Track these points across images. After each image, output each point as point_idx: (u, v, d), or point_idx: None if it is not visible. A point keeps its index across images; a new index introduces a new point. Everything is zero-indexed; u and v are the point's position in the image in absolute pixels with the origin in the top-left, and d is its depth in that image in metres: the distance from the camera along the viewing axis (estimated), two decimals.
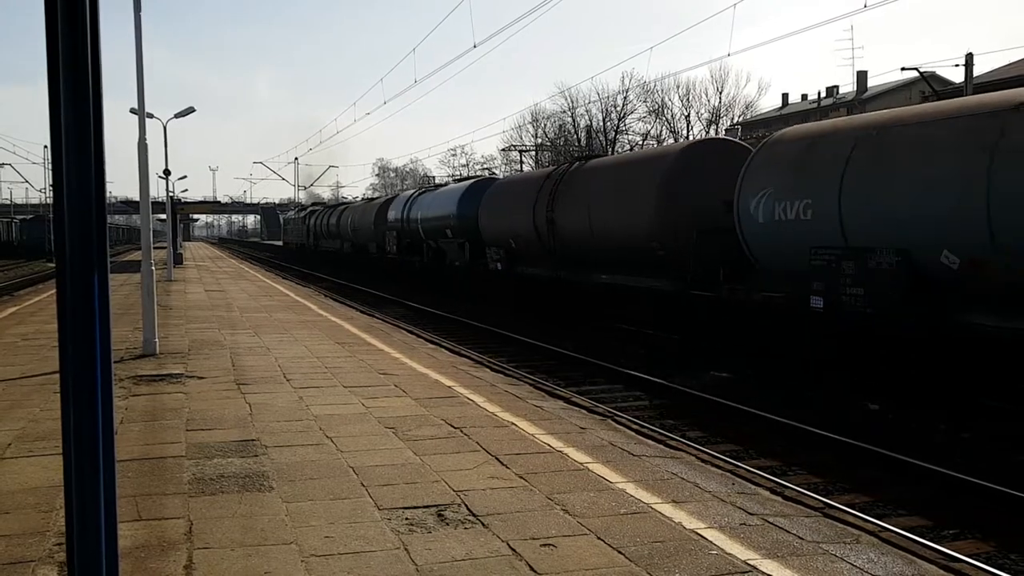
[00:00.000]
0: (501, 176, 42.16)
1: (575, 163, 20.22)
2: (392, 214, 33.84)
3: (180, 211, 49.06)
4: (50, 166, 2.25)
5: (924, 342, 9.66)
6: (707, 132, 64.97)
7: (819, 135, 12.06)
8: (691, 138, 64.56)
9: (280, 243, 77.47)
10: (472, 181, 27.88)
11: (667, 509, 5.13)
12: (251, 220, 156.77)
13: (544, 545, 4.51)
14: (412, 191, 35.49)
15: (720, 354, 12.84)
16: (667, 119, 66.86)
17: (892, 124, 10.73)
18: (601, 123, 67.53)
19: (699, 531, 4.75)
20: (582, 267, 18.21)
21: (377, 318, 18.29)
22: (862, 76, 58.93)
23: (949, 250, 9.27)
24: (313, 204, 70.48)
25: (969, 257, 9.03)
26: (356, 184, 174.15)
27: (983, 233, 8.88)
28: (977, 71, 31.37)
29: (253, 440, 6.74)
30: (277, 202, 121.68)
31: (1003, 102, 9.44)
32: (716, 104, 66.43)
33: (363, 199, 59.45)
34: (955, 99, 12.63)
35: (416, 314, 22.25)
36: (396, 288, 29.07)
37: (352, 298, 25.87)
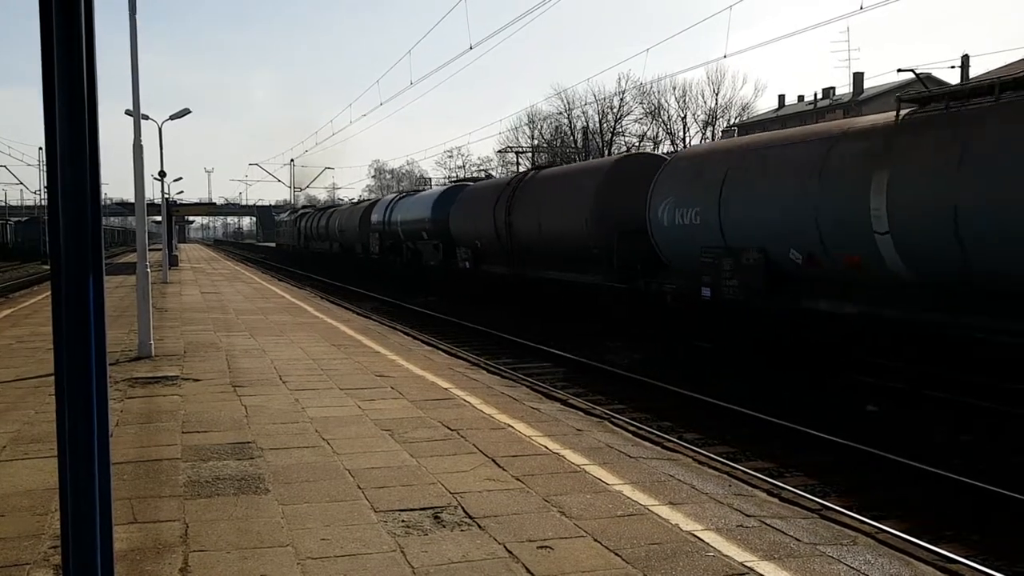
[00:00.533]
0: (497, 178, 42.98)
1: (530, 172, 22.67)
2: (375, 217, 36.07)
3: (175, 213, 49.02)
4: (45, 168, 2.25)
5: (781, 321, 12.07)
6: (703, 133, 65.06)
7: (707, 155, 14.79)
8: (688, 140, 64.66)
9: (274, 244, 78.70)
10: (445, 188, 30.58)
11: (664, 511, 5.12)
12: (247, 222, 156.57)
13: (541, 547, 4.50)
14: (393, 196, 38.52)
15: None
16: (663, 121, 66.95)
17: (755, 147, 13.26)
18: (597, 124, 67.61)
19: (696, 533, 4.75)
20: (534, 265, 20.54)
21: (373, 320, 18.28)
22: (858, 77, 59.03)
23: (795, 249, 11.54)
24: (304, 207, 72.10)
25: (808, 254, 11.33)
26: (352, 186, 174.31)
27: (815, 236, 11.12)
28: (978, 72, 31.48)
29: (249, 442, 6.73)
30: (273, 204, 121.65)
31: (828, 132, 11.76)
32: (712, 106, 66.54)
33: (351, 201, 60.63)
34: (802, 127, 15.15)
35: (409, 315, 22.69)
36: (380, 287, 30.43)
37: (347, 299, 25.94)
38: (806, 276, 11.60)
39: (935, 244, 9.45)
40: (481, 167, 77.00)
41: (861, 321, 10.74)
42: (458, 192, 27.45)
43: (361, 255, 38.85)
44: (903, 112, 10.54)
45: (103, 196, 2.45)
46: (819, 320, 11.40)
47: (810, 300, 11.55)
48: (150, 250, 14.80)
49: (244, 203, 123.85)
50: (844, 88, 61.18)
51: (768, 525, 4.93)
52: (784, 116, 62.42)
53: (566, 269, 18.70)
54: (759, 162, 12.57)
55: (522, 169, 57.73)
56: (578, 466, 6.12)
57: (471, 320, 19.68)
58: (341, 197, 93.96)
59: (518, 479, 5.76)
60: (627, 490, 5.53)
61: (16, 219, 72.47)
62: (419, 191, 36.59)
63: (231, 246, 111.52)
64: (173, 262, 38.01)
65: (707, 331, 13.61)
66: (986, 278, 8.96)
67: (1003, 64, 37.05)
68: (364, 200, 51.06)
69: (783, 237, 11.65)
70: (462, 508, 5.13)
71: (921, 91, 11.20)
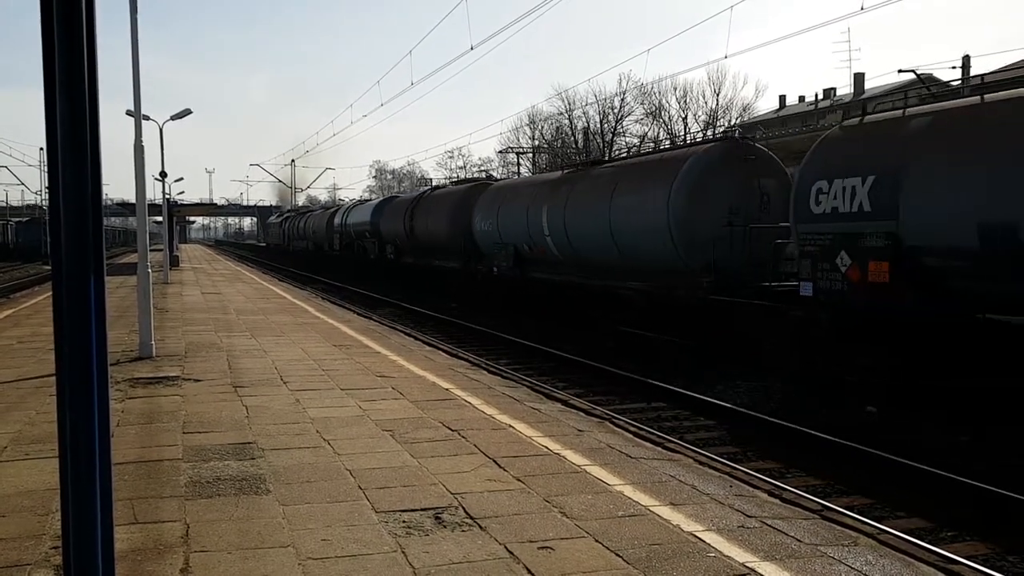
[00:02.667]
0: (501, 179, 45.43)
1: (425, 192, 33.14)
2: (336, 220, 45.97)
3: (176, 213, 49.10)
4: (46, 168, 2.24)
5: (521, 285, 21.64)
6: (704, 134, 65.01)
7: (498, 188, 25.55)
8: (688, 140, 64.69)
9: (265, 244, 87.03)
10: (380, 199, 43.03)
11: (665, 511, 5.12)
12: (247, 222, 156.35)
13: (542, 548, 4.50)
14: (348, 204, 49.89)
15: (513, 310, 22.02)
16: (664, 121, 66.89)
17: (512, 185, 25.27)
18: (598, 125, 67.59)
19: (697, 533, 4.74)
20: (427, 256, 30.15)
21: (374, 320, 18.29)
22: (859, 78, 59.01)
23: (525, 244, 21.21)
24: (288, 210, 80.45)
25: (528, 247, 21.08)
26: (353, 187, 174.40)
27: (529, 238, 20.79)
28: (979, 72, 31.39)
29: (250, 443, 6.73)
30: (273, 204, 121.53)
31: (541, 180, 23.37)
32: (713, 106, 66.48)
33: (331, 203, 65.27)
34: (533, 176, 27.50)
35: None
36: (341, 276, 38.42)
37: (350, 300, 26.09)
38: (531, 259, 21.41)
39: (563, 241, 19.07)
40: (482, 168, 77.02)
41: (551, 283, 20.16)
42: (388, 203, 37.82)
43: (327, 251, 48.50)
44: (564, 172, 21.25)
45: (104, 196, 2.44)
46: (538, 283, 20.78)
47: (532, 272, 21.25)
48: (151, 250, 14.80)
49: (245, 203, 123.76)
50: (845, 88, 61.19)
51: (769, 526, 4.93)
52: (785, 116, 62.36)
53: (441, 259, 28.40)
54: (513, 194, 23.03)
55: (523, 171, 58.34)
56: (579, 467, 6.12)
57: (395, 297, 27.90)
58: (342, 198, 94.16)
59: (519, 479, 5.76)
60: (628, 491, 5.53)
61: (17, 219, 72.36)
62: (367, 201, 48.56)
63: (232, 246, 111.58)
64: (174, 262, 38.04)
65: (495, 292, 23.13)
66: (578, 258, 18.62)
67: (1004, 64, 36.99)
68: (332, 206, 58.89)
69: (521, 238, 21.50)
70: (463, 508, 5.13)
71: (583, 160, 25.47)
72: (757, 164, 14.75)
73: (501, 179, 39.02)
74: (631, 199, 16.14)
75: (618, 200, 16.57)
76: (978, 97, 9.94)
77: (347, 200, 76.12)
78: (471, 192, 26.84)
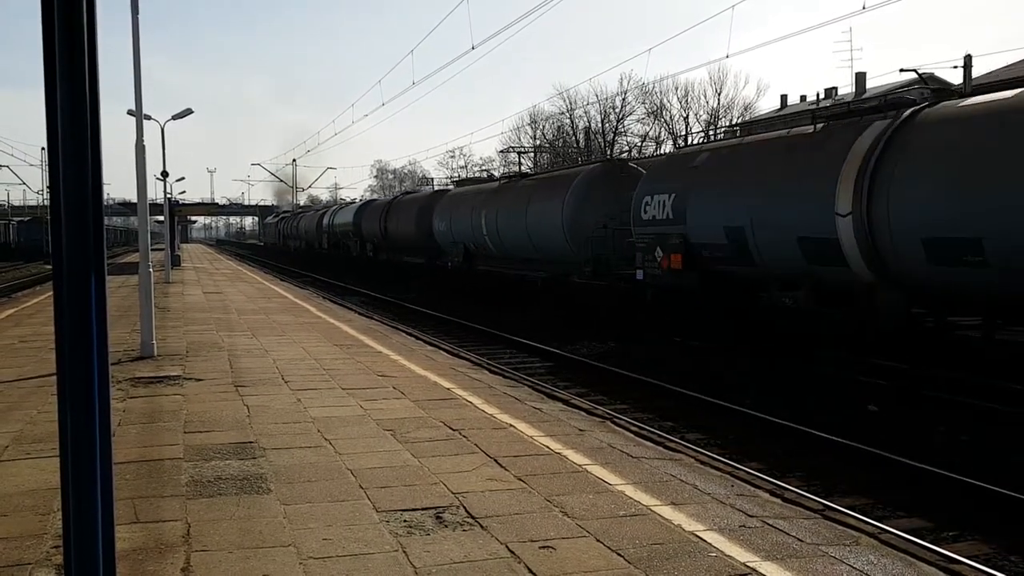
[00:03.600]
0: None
1: (396, 197, 40.26)
2: (325, 221, 51.90)
3: (178, 213, 49.21)
4: (47, 168, 2.24)
5: (470, 276, 26.51)
6: (705, 133, 64.94)
7: (452, 195, 30.19)
8: (689, 140, 64.81)
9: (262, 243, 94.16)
10: (363, 202, 49.90)
11: (666, 511, 5.12)
12: (249, 222, 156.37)
13: (543, 547, 4.50)
14: (335, 206, 56.60)
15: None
16: (665, 120, 66.90)
17: (462, 193, 29.31)
18: (600, 125, 67.62)
19: (698, 533, 4.74)
20: (399, 253, 36.31)
21: (375, 320, 18.29)
22: (860, 77, 58.82)
23: (471, 243, 26.34)
24: (283, 211, 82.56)
25: (474, 245, 26.25)
26: (355, 186, 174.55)
27: (473, 237, 26.00)
28: (980, 71, 31.44)
29: (251, 442, 6.73)
30: (273, 204, 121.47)
31: (480, 189, 27.79)
32: (715, 105, 66.43)
33: (332, 202, 69.42)
34: (480, 184, 31.22)
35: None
36: (332, 273, 42.02)
37: (348, 299, 26.11)
38: (477, 255, 26.29)
39: (496, 240, 23.80)
40: (483, 167, 77.02)
41: (490, 273, 24.52)
42: (367, 206, 43.61)
43: (317, 249, 54.37)
44: (500, 183, 26.31)
45: (105, 196, 2.44)
46: (485, 275, 25.15)
47: (479, 265, 25.94)
48: (152, 250, 14.78)
49: (246, 203, 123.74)
50: (847, 88, 61.00)
51: (771, 525, 4.93)
52: (786, 116, 62.17)
53: (410, 255, 33.99)
54: (462, 200, 27.51)
55: (524, 169, 58.78)
56: (580, 466, 6.12)
57: (377, 291, 30.21)
58: (343, 197, 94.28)
59: (520, 479, 5.76)
60: (629, 490, 5.53)
61: (19, 219, 72.44)
62: (350, 203, 54.05)
63: (234, 246, 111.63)
64: (175, 262, 38.07)
65: (451, 282, 27.67)
66: (507, 252, 23.12)
67: (1005, 64, 36.97)
68: (322, 208, 64.17)
69: (468, 237, 26.32)
70: (464, 508, 5.12)
71: (512, 173, 29.58)
72: (628, 180, 18.71)
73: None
74: (540, 206, 21.44)
75: (532, 206, 21.83)
76: (738, 140, 14.38)
77: (347, 199, 76.38)
78: (433, 198, 32.57)
